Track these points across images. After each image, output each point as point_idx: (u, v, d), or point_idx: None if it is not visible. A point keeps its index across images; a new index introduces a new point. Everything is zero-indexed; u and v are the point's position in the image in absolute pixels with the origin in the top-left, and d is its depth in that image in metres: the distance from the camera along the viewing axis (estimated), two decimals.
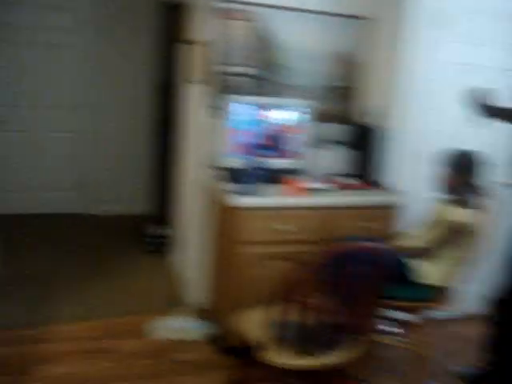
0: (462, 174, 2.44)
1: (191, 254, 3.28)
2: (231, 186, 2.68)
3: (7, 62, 4.70)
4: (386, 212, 2.92)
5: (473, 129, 2.61)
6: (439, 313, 2.57)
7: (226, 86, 3.00)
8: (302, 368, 2.10)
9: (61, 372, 2.60)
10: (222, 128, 2.88)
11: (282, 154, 2.98)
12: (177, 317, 3.09)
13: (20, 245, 4.21)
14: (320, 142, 3.23)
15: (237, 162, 2.77)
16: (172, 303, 3.24)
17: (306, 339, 2.05)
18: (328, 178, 3.06)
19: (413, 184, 3.11)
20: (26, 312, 3.12)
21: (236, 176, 2.68)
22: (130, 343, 2.91)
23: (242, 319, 2.33)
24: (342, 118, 3.35)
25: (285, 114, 2.94)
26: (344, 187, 2.96)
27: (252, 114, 2.87)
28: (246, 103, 2.86)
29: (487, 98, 2.65)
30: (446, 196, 2.55)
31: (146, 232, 4.27)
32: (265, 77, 3.09)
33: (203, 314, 3.19)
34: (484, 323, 2.82)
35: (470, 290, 3.47)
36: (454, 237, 2.39)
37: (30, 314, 3.11)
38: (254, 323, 2.23)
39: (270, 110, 2.90)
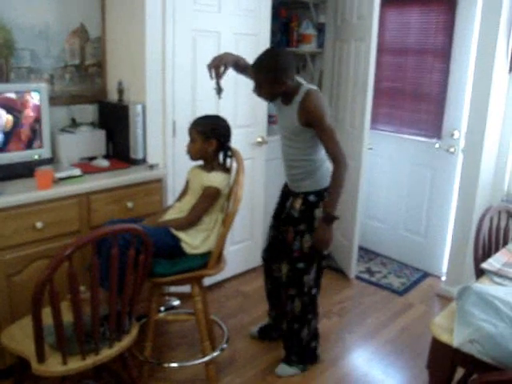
0: (210, 139, 2.47)
1: None
2: None
3: None
4: (147, 188, 2.88)
5: (217, 95, 2.64)
6: (214, 276, 2.65)
7: None
8: (87, 368, 1.99)
9: None
10: None
11: (23, 145, 2.70)
12: None
13: None
14: (70, 125, 3.04)
15: None
16: None
17: (84, 337, 1.93)
18: (82, 163, 2.90)
19: (169, 156, 3.13)
20: None
21: None
22: None
23: (11, 333, 2.11)
24: (91, 98, 3.18)
25: (19, 101, 2.65)
26: (98, 170, 2.83)
27: None
28: None
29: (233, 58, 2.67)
30: (199, 163, 2.59)
31: None
32: None
33: None
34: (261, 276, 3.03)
35: (238, 249, 3.73)
36: (210, 201, 2.43)
37: None
38: (24, 335, 2.04)
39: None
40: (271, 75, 2.37)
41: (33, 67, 2.91)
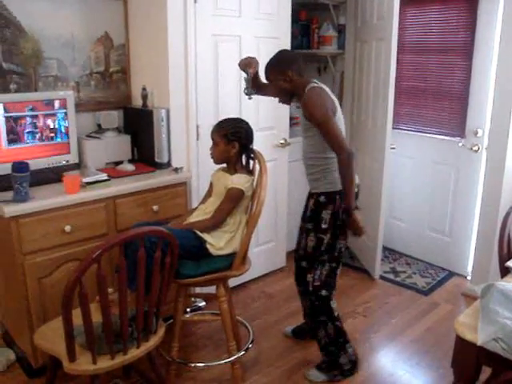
0: (232, 142, 2.51)
1: None
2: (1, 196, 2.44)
3: None
4: (172, 191, 2.94)
5: (246, 96, 2.70)
6: (239, 278, 2.68)
7: None
8: (116, 367, 2.04)
9: None
10: None
11: (53, 150, 2.79)
12: None
13: None
14: (96, 131, 3.11)
15: (5, 167, 2.52)
16: None
17: (112, 337, 1.98)
18: (108, 167, 2.98)
19: (194, 159, 3.18)
20: None
21: (5, 183, 2.44)
22: None
23: (43, 334, 2.17)
24: (116, 104, 3.25)
25: (47, 108, 2.73)
26: (124, 174, 2.90)
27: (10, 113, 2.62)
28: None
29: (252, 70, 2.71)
30: (222, 166, 2.63)
31: None
32: (18, 71, 2.83)
33: (5, 339, 2.92)
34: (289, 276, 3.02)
35: (262, 250, 3.75)
36: (234, 203, 2.47)
37: None
38: (55, 335, 2.09)
39: (30, 105, 2.67)
40: (276, 68, 2.52)
41: (60, 76, 3.00)
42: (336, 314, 2.70)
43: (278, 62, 2.53)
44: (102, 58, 3.18)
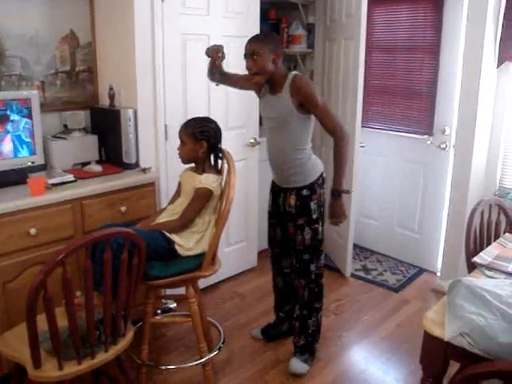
0: (200, 141, 2.48)
1: None
2: None
3: None
4: (140, 192, 2.90)
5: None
6: (210, 278, 2.66)
7: None
8: (83, 372, 1.99)
9: None
10: None
11: (15, 152, 2.71)
12: None
13: None
14: (63, 131, 3.05)
15: None
16: None
17: (79, 342, 1.93)
18: (75, 168, 2.93)
19: (162, 159, 3.15)
20: None
21: None
22: None
23: (7, 340, 2.12)
24: (82, 103, 3.19)
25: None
26: (91, 175, 2.85)
27: None
28: None
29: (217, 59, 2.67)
30: (191, 165, 2.60)
31: None
32: None
33: None
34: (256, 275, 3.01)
35: (233, 250, 3.73)
36: (203, 203, 2.45)
37: None
38: (20, 342, 2.03)
39: None
40: (269, 44, 2.44)
41: (23, 74, 2.93)
42: None
43: (273, 39, 2.54)
44: (68, 57, 3.12)
